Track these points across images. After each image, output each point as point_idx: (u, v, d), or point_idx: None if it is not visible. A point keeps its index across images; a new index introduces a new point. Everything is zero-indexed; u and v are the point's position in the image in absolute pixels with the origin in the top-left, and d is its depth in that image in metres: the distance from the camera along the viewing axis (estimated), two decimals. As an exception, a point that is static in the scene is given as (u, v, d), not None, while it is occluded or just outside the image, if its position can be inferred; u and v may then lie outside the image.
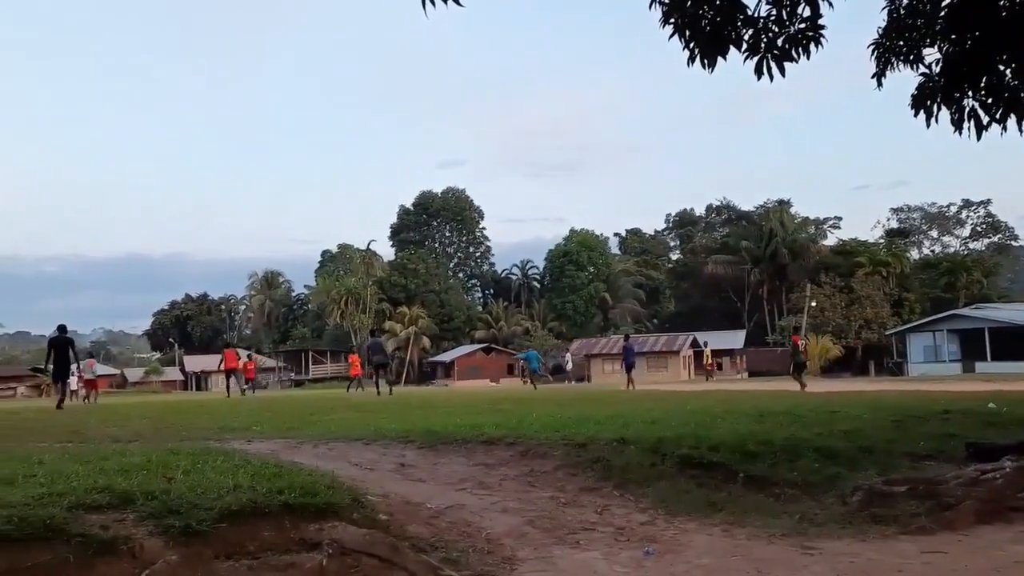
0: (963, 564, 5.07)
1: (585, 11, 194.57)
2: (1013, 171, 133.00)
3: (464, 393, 26.70)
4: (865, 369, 58.35)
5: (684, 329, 68.90)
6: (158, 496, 4.39)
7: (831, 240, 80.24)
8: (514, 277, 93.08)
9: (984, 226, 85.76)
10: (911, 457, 8.04)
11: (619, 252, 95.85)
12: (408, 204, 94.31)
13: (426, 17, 6.33)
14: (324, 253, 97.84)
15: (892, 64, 8.62)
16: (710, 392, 20.64)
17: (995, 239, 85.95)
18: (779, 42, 7.82)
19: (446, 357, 73.53)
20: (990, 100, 8.35)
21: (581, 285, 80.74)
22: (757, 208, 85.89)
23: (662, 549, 5.33)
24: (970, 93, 8.35)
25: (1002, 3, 8.09)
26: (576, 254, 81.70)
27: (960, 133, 8.38)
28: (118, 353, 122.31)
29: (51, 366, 19.17)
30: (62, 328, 19.38)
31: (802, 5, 7.78)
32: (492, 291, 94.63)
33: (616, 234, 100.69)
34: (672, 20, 7.76)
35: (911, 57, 8.58)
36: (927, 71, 8.49)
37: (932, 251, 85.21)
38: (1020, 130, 8.29)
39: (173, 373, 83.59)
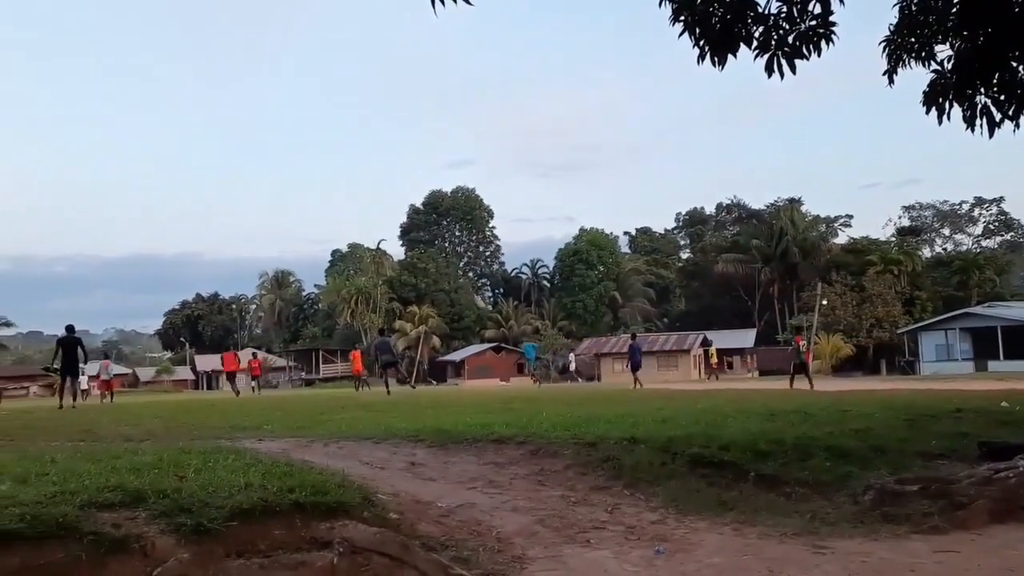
0: (976, 563, 5.04)
1: (593, 11, 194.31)
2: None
3: (474, 392, 26.70)
4: (877, 368, 58.07)
5: (694, 328, 68.72)
6: (170, 495, 4.40)
7: (842, 238, 79.97)
8: (524, 276, 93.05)
9: (996, 224, 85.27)
10: (923, 456, 8.00)
11: (629, 251, 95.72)
12: (418, 203, 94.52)
13: (435, 16, 6.31)
14: (334, 253, 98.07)
15: (904, 61, 8.58)
16: (720, 391, 20.58)
17: (1008, 237, 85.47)
18: (790, 39, 7.78)
19: (456, 356, 73.56)
20: (1002, 97, 8.30)
21: (591, 284, 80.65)
22: (767, 207, 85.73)
23: (673, 548, 5.31)
24: (982, 90, 8.30)
25: (1014, -1, 8.04)
26: (586, 253, 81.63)
27: (972, 130, 8.33)
28: (130, 353, 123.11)
29: (58, 365, 19.37)
30: (70, 328, 19.58)
31: (813, 2, 7.75)
32: (502, 290, 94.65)
33: (626, 233, 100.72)
34: (682, 18, 7.75)
35: (923, 54, 8.53)
36: (939, 68, 8.44)
37: (944, 249, 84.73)
38: (1032, 127, 8.24)
39: (184, 372, 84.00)
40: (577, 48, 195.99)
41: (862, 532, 5.78)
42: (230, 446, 7.38)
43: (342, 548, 4.26)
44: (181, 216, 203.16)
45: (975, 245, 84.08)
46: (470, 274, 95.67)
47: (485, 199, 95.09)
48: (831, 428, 9.18)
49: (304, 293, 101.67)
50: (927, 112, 8.45)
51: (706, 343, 59.46)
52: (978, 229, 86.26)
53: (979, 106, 8.31)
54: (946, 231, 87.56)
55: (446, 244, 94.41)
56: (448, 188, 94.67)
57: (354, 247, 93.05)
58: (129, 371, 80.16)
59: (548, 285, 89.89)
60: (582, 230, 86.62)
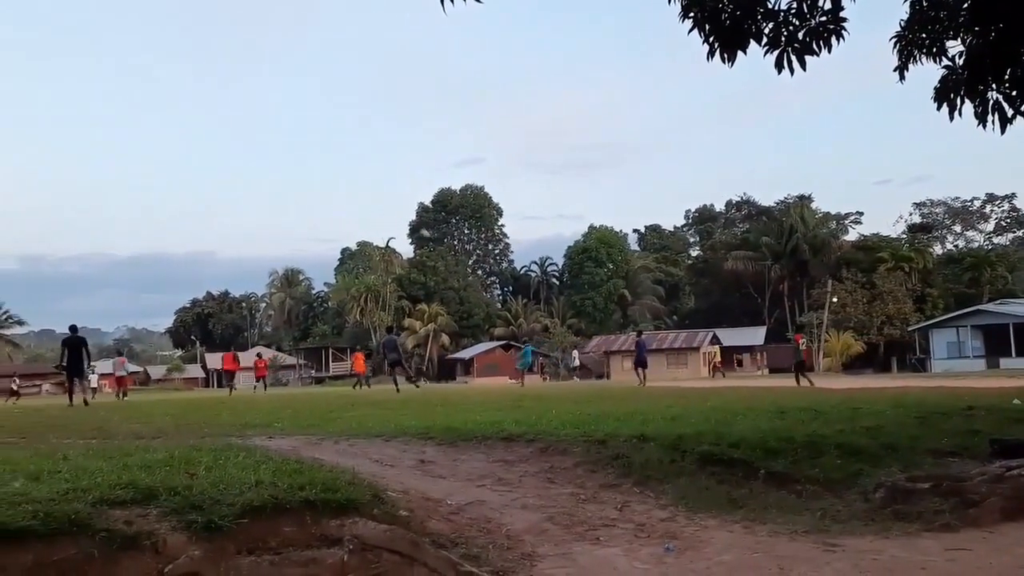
0: (988, 561, 5.02)
1: (598, 9, 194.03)
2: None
3: (483, 390, 26.72)
4: (887, 365, 57.88)
5: (704, 326, 68.60)
6: (181, 492, 4.42)
7: (852, 236, 79.71)
8: (533, 274, 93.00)
9: (1008, 220, 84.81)
10: (935, 454, 7.96)
11: (638, 249, 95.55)
12: (427, 201, 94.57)
13: (444, 14, 6.32)
14: (344, 251, 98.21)
15: (915, 57, 8.52)
16: (730, 389, 20.53)
17: (1020, 233, 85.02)
18: (800, 35, 7.75)
19: (465, 354, 73.59)
20: (1014, 93, 8.24)
21: (600, 282, 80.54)
22: (777, 204, 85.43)
23: (682, 546, 5.31)
24: (994, 86, 8.24)
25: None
26: (595, 251, 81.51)
27: (984, 126, 8.27)
28: (141, 351, 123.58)
29: (65, 364, 19.55)
30: (73, 328, 19.80)
31: (823, -2, 7.71)
32: (511, 288, 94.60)
33: (635, 230, 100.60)
34: (691, 14, 7.72)
35: (934, 50, 8.47)
36: (950, 64, 8.39)
37: (955, 246, 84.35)
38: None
39: (195, 370, 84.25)
40: (584, 47, 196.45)
41: (873, 530, 5.76)
42: (240, 444, 7.40)
43: (352, 545, 4.27)
44: (192, 215, 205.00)
45: (987, 242, 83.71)
46: (479, 272, 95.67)
47: (494, 197, 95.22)
48: (842, 426, 9.15)
49: (314, 291, 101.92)
50: (938, 108, 8.40)
51: (716, 341, 59.45)
52: (990, 226, 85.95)
53: (991, 102, 8.25)
54: (957, 228, 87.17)
55: (455, 242, 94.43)
56: (457, 186, 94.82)
57: (363, 245, 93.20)
58: (140, 369, 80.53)
59: (557, 283, 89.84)
60: (591, 228, 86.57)
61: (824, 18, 7.71)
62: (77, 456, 6.02)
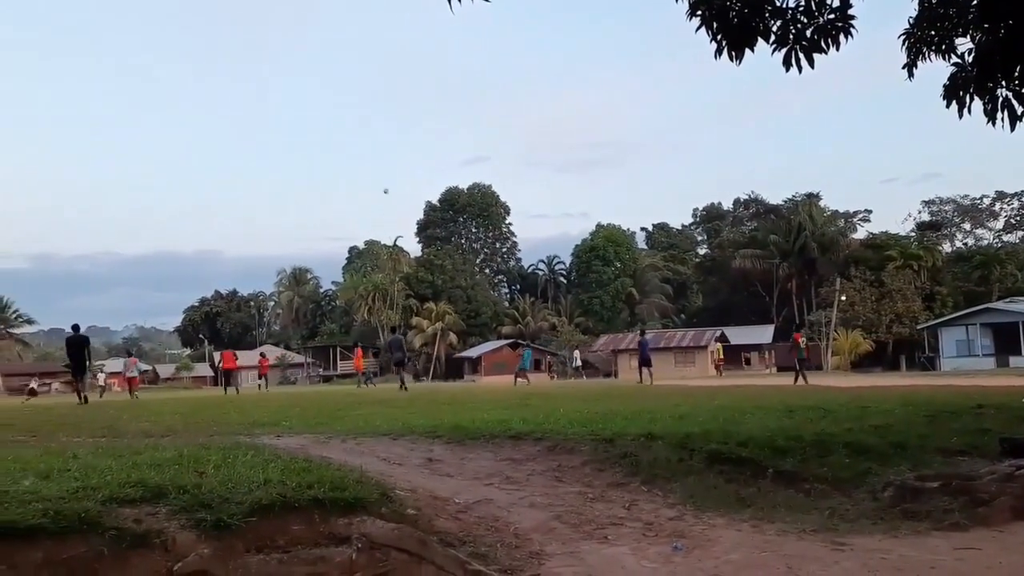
0: (997, 561, 5.00)
1: (605, 6, 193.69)
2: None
3: (491, 389, 26.74)
4: (896, 364, 57.68)
5: (712, 324, 68.39)
6: (190, 490, 4.44)
7: (861, 234, 79.32)
8: (540, 272, 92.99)
9: (1018, 218, 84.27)
10: (944, 453, 7.93)
11: (646, 247, 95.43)
12: (435, 200, 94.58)
13: (452, 13, 6.32)
14: (352, 250, 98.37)
15: (923, 54, 8.50)
16: (738, 387, 20.50)
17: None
18: (808, 33, 7.73)
19: (473, 353, 73.61)
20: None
21: (608, 280, 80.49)
22: (785, 202, 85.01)
23: (691, 544, 5.30)
24: (1003, 83, 8.20)
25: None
26: (603, 249, 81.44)
27: (993, 124, 8.23)
28: (150, 349, 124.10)
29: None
30: (76, 327, 19.96)
31: (831, -5, 7.69)
32: (519, 287, 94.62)
33: (643, 229, 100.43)
34: (699, 13, 7.70)
35: (943, 47, 8.45)
36: (959, 61, 8.36)
37: (965, 244, 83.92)
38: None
39: (203, 369, 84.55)
40: (584, 47, 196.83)
41: (882, 529, 5.74)
42: (249, 442, 7.42)
43: (360, 544, 4.28)
44: (195, 214, 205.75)
45: (996, 240, 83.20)
46: (487, 270, 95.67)
47: (501, 196, 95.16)
48: (850, 424, 9.13)
49: (322, 290, 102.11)
50: (947, 106, 8.37)
51: (723, 340, 59.30)
52: (999, 224, 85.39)
53: (1000, 99, 8.21)
54: (967, 226, 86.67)
55: (463, 240, 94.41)
56: (464, 185, 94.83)
57: (371, 244, 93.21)
58: (149, 368, 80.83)
59: (565, 281, 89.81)
60: (599, 226, 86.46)
61: (832, 16, 7.69)
62: (87, 455, 6.05)
